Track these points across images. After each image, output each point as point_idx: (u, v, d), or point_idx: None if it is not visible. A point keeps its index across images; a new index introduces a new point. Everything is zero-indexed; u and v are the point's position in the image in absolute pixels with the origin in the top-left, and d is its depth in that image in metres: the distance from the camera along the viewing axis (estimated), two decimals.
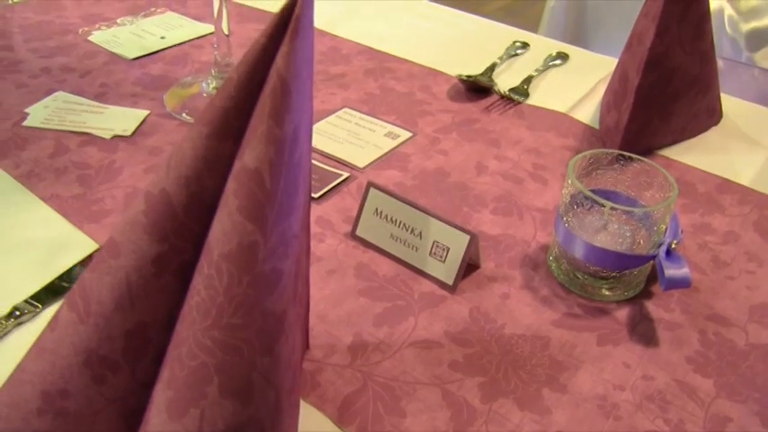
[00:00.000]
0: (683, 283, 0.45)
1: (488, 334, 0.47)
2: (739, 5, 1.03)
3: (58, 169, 0.62)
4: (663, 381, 0.44)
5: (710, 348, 0.47)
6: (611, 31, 2.13)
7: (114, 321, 0.32)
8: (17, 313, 0.46)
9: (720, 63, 1.07)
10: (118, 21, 0.95)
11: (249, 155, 0.29)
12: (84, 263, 0.51)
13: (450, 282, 0.49)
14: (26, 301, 0.47)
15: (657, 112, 0.66)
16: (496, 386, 0.43)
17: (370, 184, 0.52)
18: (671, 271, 0.45)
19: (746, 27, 1.03)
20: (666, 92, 0.65)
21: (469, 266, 0.51)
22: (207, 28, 0.91)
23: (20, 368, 0.33)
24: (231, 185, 0.29)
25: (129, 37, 0.89)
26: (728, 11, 1.03)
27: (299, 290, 0.37)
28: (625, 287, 0.50)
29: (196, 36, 0.89)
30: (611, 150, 0.52)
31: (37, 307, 0.47)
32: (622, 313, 0.49)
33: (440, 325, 0.47)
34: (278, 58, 0.29)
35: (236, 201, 0.29)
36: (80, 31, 0.91)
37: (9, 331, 0.45)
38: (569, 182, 0.48)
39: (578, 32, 2.20)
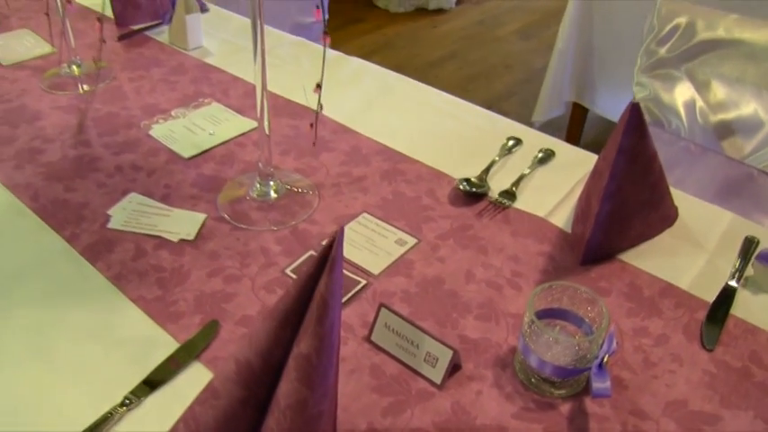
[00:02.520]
0: (604, 394, 0.64)
1: (464, 424, 0.66)
2: (708, 99, 1.21)
3: (140, 272, 0.82)
4: None
5: None
6: (616, 71, 2.31)
7: None
8: (127, 402, 0.66)
9: (692, 147, 1.25)
10: (172, 113, 1.15)
11: (304, 344, 0.49)
12: (170, 360, 0.71)
13: (438, 381, 0.69)
14: (131, 392, 0.67)
15: (615, 229, 0.84)
16: None
17: (381, 305, 0.72)
18: (596, 384, 0.64)
19: (715, 118, 1.20)
20: (622, 215, 0.84)
21: (454, 367, 0.70)
22: (248, 123, 1.11)
23: None
24: (291, 363, 0.49)
25: (183, 132, 1.09)
26: (700, 103, 1.21)
27: (332, 408, 0.57)
28: (569, 387, 0.69)
29: (239, 133, 1.08)
30: (565, 283, 0.70)
31: (140, 397, 0.67)
32: (566, 408, 0.68)
33: (429, 416, 0.66)
34: (320, 284, 0.49)
35: (294, 373, 0.49)
36: (142, 124, 1.11)
37: (122, 417, 0.65)
38: (528, 313, 0.67)
39: (585, 73, 2.38)
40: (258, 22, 0.81)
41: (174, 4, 1.39)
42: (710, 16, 1.19)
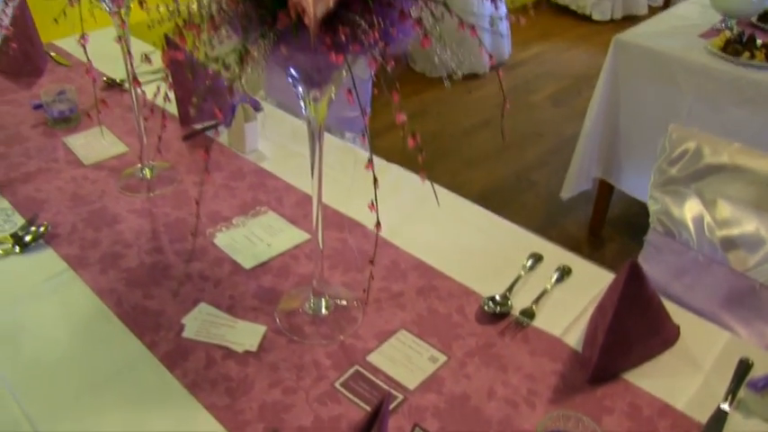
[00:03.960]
0: None
1: None
2: (715, 215, 1.35)
3: (211, 381, 0.98)
4: None
5: None
6: (641, 153, 2.45)
7: None
8: None
9: (700, 258, 1.39)
10: (233, 221, 1.32)
11: None
12: None
13: None
14: None
15: (619, 355, 0.99)
16: None
17: (415, 425, 0.87)
18: None
19: (721, 233, 1.34)
20: (624, 344, 0.98)
21: None
22: (301, 235, 1.28)
23: None
24: None
25: (244, 242, 1.26)
26: (707, 218, 1.35)
27: None
28: None
29: (293, 245, 1.25)
30: (570, 413, 0.85)
31: None
32: None
33: None
34: None
35: None
36: (207, 232, 1.29)
37: None
38: None
39: (611, 154, 2.53)
40: (318, 168, 0.98)
41: (234, 110, 1.58)
42: (716, 144, 1.33)
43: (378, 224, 0.85)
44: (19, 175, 1.47)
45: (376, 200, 0.80)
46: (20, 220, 1.33)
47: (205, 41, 0.77)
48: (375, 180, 0.79)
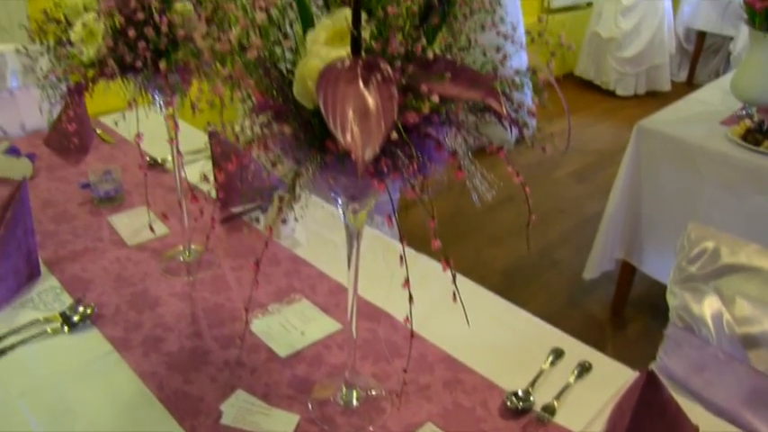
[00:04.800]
0: None
1: None
2: (734, 313, 1.40)
3: None
4: None
5: None
6: (663, 236, 2.51)
7: None
8: None
9: (720, 355, 1.43)
10: (269, 308, 1.40)
11: None
12: None
13: None
14: None
15: None
16: None
17: None
18: None
19: (740, 331, 1.39)
20: None
21: None
22: (333, 324, 1.35)
23: None
24: None
25: (279, 330, 1.33)
26: (726, 316, 1.40)
27: None
28: None
29: (326, 335, 1.32)
30: None
31: None
32: None
33: None
34: None
35: None
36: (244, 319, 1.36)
37: None
38: None
39: (634, 236, 2.59)
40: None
41: (270, 197, 1.67)
42: (734, 244, 1.39)
43: (411, 335, 0.92)
44: (67, 254, 1.57)
45: (411, 315, 0.87)
46: (67, 299, 1.41)
47: (263, 163, 0.85)
48: (411, 298, 0.86)
